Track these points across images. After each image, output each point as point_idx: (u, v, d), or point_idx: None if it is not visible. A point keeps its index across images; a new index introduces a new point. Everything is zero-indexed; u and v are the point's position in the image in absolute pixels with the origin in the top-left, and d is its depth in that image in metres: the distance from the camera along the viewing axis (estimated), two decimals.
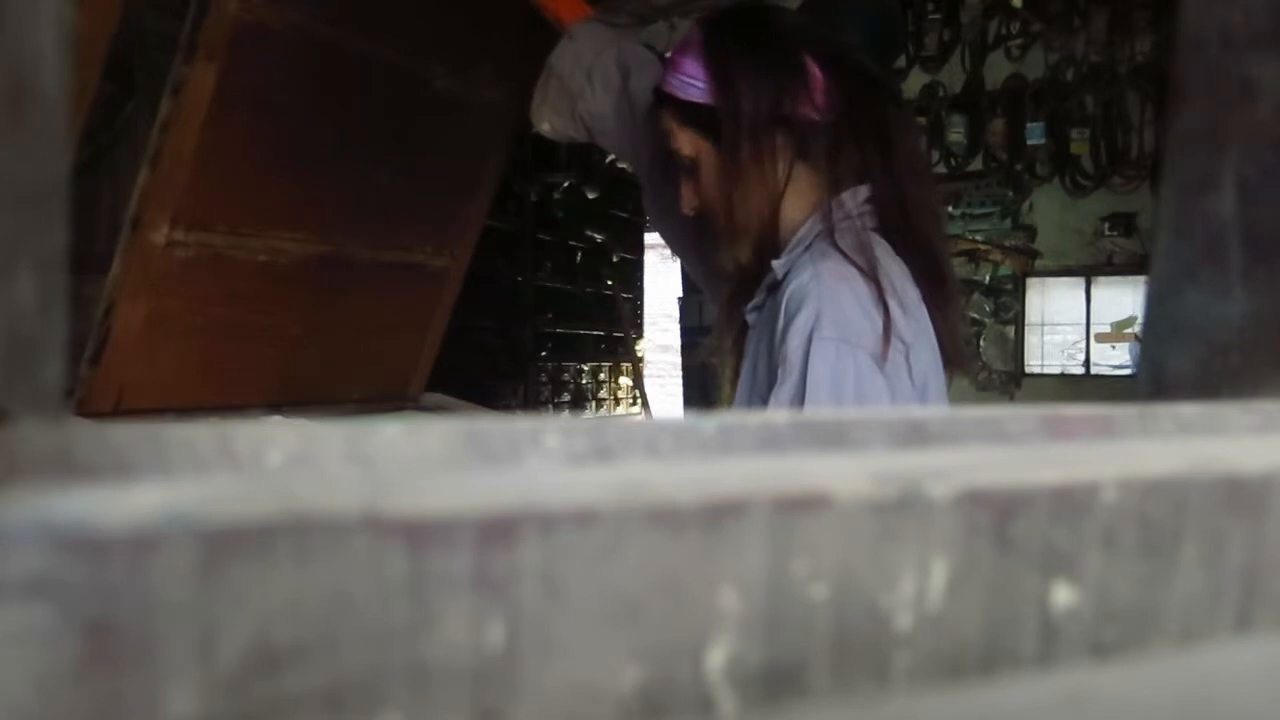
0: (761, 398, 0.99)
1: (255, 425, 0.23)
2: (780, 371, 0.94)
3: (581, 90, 1.26)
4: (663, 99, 1.07)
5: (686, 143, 1.06)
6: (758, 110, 1.01)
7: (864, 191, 1.02)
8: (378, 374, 1.77)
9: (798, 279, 0.97)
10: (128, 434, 0.22)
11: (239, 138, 1.28)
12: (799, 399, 0.91)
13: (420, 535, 0.19)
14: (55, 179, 0.21)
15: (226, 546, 0.18)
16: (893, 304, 0.96)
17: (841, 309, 0.94)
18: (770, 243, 1.03)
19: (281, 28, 1.24)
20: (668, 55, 1.10)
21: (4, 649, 0.16)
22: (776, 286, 1.01)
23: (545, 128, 1.35)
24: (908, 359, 0.96)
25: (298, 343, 1.57)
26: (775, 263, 1.01)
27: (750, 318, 1.05)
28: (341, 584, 0.18)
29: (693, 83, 1.04)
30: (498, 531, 0.20)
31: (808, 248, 1.00)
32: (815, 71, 1.02)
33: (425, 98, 1.58)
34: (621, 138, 1.29)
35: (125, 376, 1.31)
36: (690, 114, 1.05)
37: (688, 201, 1.08)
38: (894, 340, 0.94)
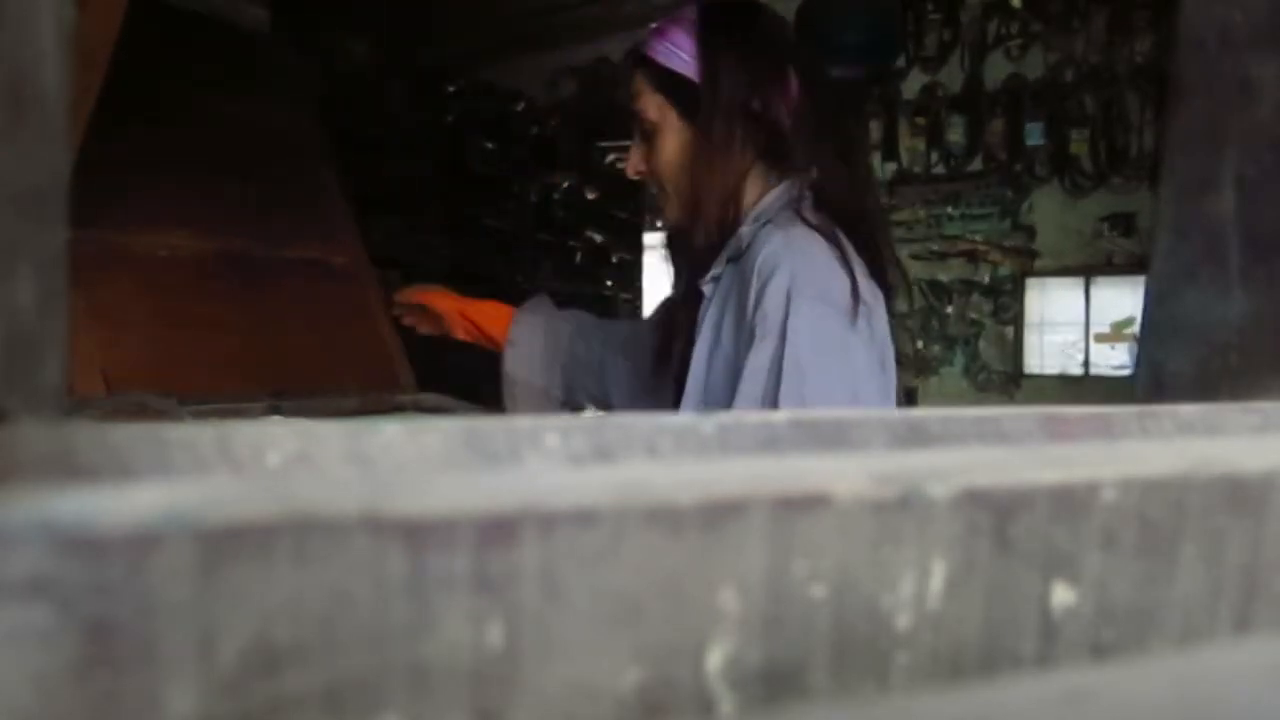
0: (726, 363, 1.03)
1: (255, 426, 0.23)
2: (759, 329, 0.97)
3: (550, 383, 1.36)
4: (640, 61, 1.11)
5: (653, 107, 1.10)
6: (734, 97, 1.06)
7: (813, 177, 1.08)
8: (357, 366, 1.86)
9: (768, 245, 1.01)
10: (128, 434, 0.22)
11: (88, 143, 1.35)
12: (779, 356, 0.96)
13: (420, 535, 0.19)
14: (55, 179, 0.21)
15: (226, 546, 0.18)
16: (855, 268, 1.01)
17: (816, 269, 1.00)
18: (729, 220, 1.08)
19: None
20: (653, 25, 1.15)
21: (4, 649, 0.16)
22: (738, 257, 1.06)
23: None
24: (870, 321, 1.01)
25: (257, 330, 1.67)
26: (742, 230, 1.05)
27: (706, 289, 1.08)
28: (341, 584, 0.18)
29: (678, 53, 1.08)
30: (498, 531, 0.20)
31: (770, 220, 1.05)
32: (793, 81, 1.08)
33: (229, 119, 1.83)
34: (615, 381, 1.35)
35: (103, 361, 1.37)
36: (666, 81, 1.09)
37: (634, 165, 1.14)
38: (860, 301, 1.00)
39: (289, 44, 2.20)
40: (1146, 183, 4.02)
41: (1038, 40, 4.12)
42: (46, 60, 0.21)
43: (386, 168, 3.24)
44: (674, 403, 1.13)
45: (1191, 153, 0.40)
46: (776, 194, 1.07)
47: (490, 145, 3.95)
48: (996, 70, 4.21)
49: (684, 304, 1.13)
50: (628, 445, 0.26)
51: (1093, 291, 4.50)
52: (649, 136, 1.12)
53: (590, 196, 4.74)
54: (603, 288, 4.98)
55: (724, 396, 1.01)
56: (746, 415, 0.28)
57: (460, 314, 1.42)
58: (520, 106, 4.22)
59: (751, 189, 1.09)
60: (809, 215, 1.05)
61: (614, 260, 5.07)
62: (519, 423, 0.26)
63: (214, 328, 1.62)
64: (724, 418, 0.28)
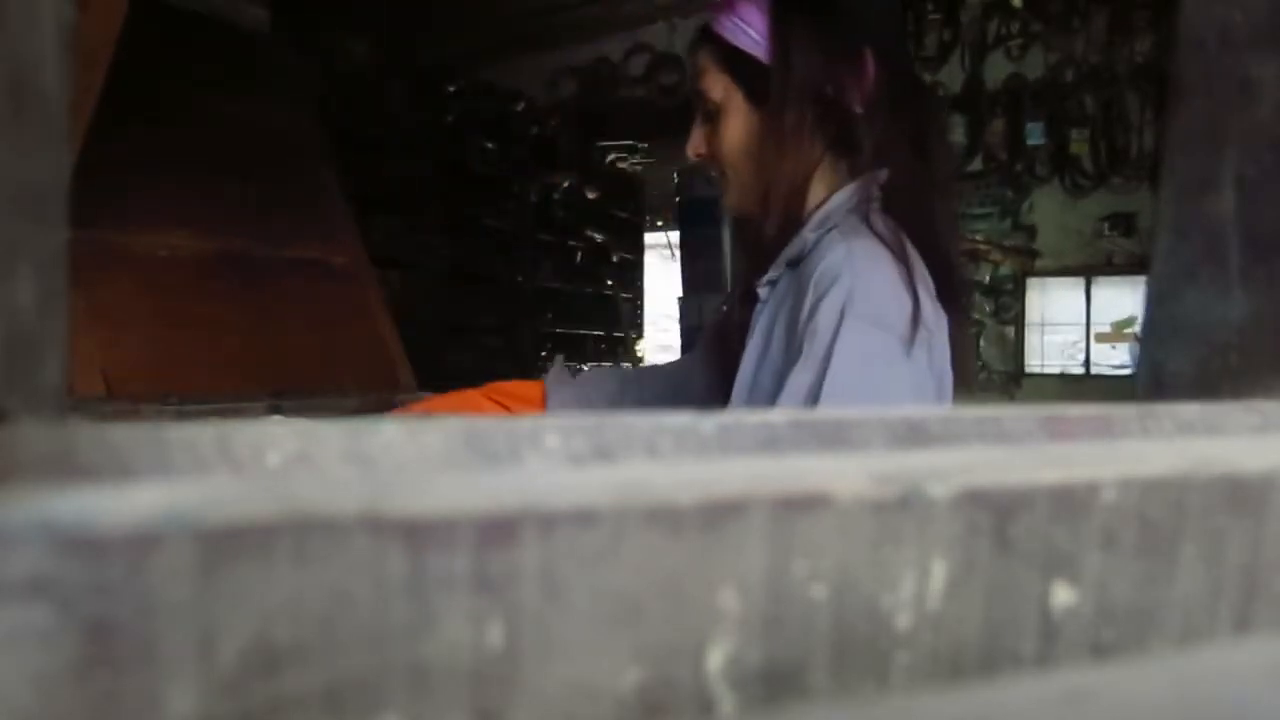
0: (773, 374, 0.95)
1: (255, 426, 0.23)
2: (806, 347, 0.90)
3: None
4: (707, 36, 1.03)
5: (718, 87, 1.02)
6: (807, 82, 0.98)
7: (883, 177, 1.00)
8: (357, 366, 1.88)
9: (830, 254, 0.93)
10: (128, 434, 0.22)
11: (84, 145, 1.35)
12: (822, 376, 0.88)
13: (420, 535, 0.19)
14: (55, 179, 0.21)
15: (226, 546, 0.18)
16: (921, 290, 0.93)
17: (875, 289, 0.91)
18: (794, 214, 1.00)
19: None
20: None
21: (4, 649, 0.16)
22: (797, 262, 0.98)
23: None
24: (929, 348, 0.93)
25: (257, 330, 1.68)
26: (805, 233, 0.98)
27: (762, 291, 1.01)
28: (341, 584, 0.18)
29: (747, 31, 1.00)
30: (498, 531, 0.20)
31: (836, 226, 0.97)
32: (870, 65, 0.99)
33: (230, 119, 1.87)
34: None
35: (103, 361, 1.38)
36: (733, 60, 1.01)
37: (695, 146, 1.06)
38: (921, 326, 0.91)
39: (289, 44, 2.21)
40: (1146, 183, 4.02)
41: (1038, 40, 4.12)
42: (46, 60, 0.21)
43: (386, 168, 3.24)
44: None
45: (1191, 153, 0.40)
46: (845, 195, 0.99)
47: (490, 145, 3.96)
48: (996, 70, 4.22)
49: (739, 304, 1.04)
50: (628, 445, 0.26)
51: (1093, 291, 4.51)
52: (712, 118, 1.03)
53: (590, 196, 4.75)
54: (603, 287, 4.99)
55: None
56: (747, 415, 0.28)
57: (484, 397, 1.28)
58: (520, 106, 4.24)
59: (819, 184, 1.01)
60: (877, 223, 0.96)
61: (614, 260, 5.08)
62: (519, 423, 0.26)
63: (214, 328, 1.62)
64: (724, 417, 0.28)
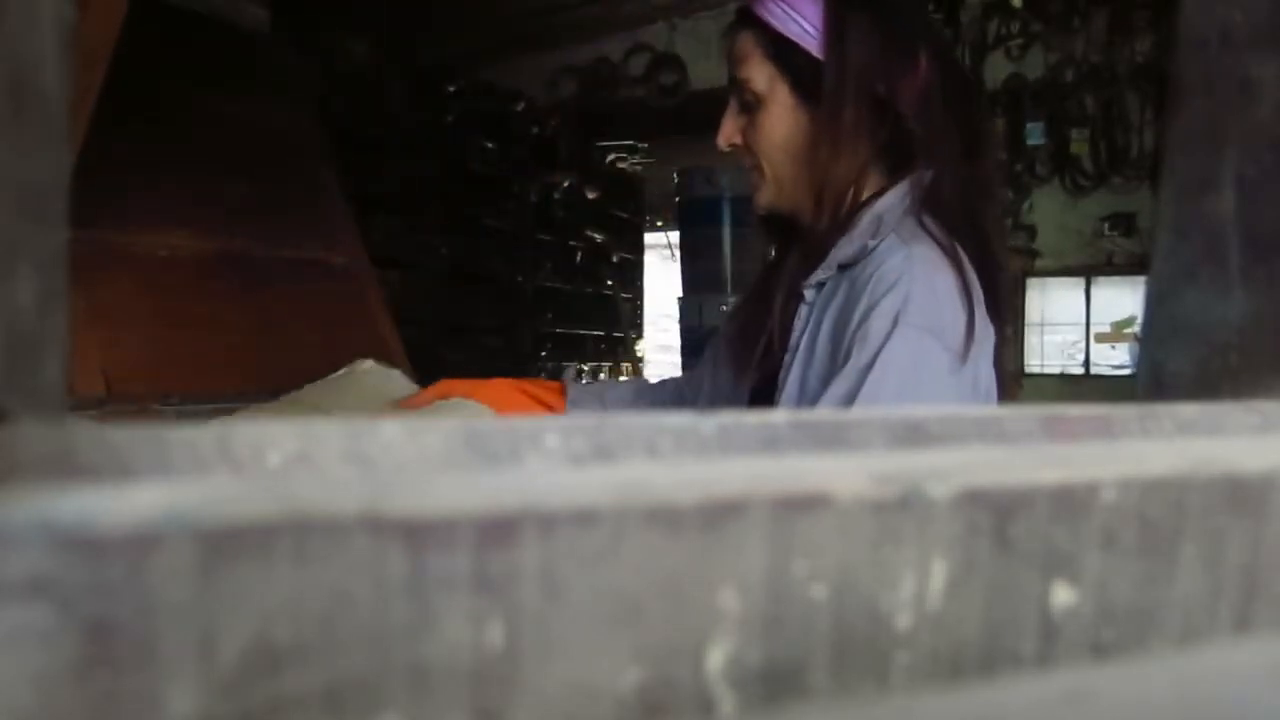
0: (819, 379, 0.92)
1: (255, 426, 0.23)
2: (854, 352, 0.87)
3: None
4: (749, 21, 0.98)
5: (761, 76, 0.97)
6: (862, 79, 0.94)
7: (929, 176, 0.96)
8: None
9: (889, 259, 0.90)
10: (128, 434, 0.22)
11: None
12: (864, 380, 0.85)
13: (420, 535, 0.19)
14: (55, 178, 0.21)
15: (226, 546, 0.18)
16: (975, 294, 0.90)
17: (933, 298, 0.88)
18: (843, 217, 0.96)
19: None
20: None
21: (4, 649, 0.16)
22: (850, 265, 0.94)
23: None
24: (977, 364, 0.90)
25: (257, 330, 1.69)
26: (858, 233, 0.94)
27: (808, 293, 0.97)
28: (341, 584, 0.18)
29: (797, 19, 0.95)
30: (498, 531, 0.20)
31: (892, 229, 0.93)
32: (923, 62, 0.96)
33: (229, 119, 1.88)
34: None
35: (103, 361, 1.39)
36: (781, 50, 0.96)
37: (728, 135, 1.01)
38: (974, 339, 0.88)
39: (289, 44, 2.21)
40: (1146, 183, 4.03)
41: (1038, 40, 4.12)
42: (46, 60, 0.21)
43: (386, 168, 3.25)
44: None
45: (1191, 153, 0.40)
46: (897, 196, 0.95)
47: (490, 145, 3.96)
48: (996, 70, 4.22)
49: (783, 305, 0.99)
50: (628, 445, 0.26)
51: (1093, 291, 4.51)
52: (750, 108, 0.98)
53: (590, 196, 4.76)
54: (603, 287, 4.99)
55: None
56: (746, 415, 0.28)
57: (514, 388, 1.21)
58: (520, 106, 4.24)
59: (866, 184, 0.97)
60: (931, 226, 0.92)
61: (614, 260, 5.08)
62: (519, 423, 0.26)
63: (214, 328, 1.63)
64: (724, 417, 0.28)
